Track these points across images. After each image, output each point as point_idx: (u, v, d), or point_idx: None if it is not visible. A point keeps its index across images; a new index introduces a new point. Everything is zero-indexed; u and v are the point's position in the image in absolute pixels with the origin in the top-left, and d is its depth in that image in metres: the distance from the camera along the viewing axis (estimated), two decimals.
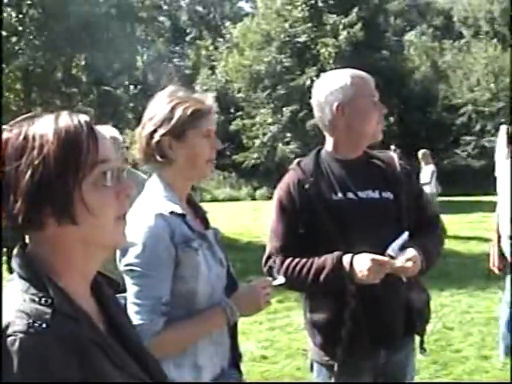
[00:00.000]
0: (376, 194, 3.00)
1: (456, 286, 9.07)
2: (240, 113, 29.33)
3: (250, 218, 19.33)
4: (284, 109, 26.33)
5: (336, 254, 2.85)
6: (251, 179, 31.62)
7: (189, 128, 2.38)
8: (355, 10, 25.51)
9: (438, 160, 19.60)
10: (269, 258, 3.03)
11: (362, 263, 2.79)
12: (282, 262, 2.94)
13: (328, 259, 2.86)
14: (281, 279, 2.64)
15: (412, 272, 2.83)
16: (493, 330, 6.97)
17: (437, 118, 32.40)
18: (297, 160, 3.17)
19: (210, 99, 2.48)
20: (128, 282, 2.31)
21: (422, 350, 3.23)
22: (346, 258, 2.83)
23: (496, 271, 6.45)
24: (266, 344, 7.05)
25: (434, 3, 57.95)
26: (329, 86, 3.03)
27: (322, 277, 2.86)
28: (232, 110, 30.23)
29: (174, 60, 47.25)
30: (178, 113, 2.36)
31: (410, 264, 2.77)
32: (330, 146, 3.11)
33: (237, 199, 29.44)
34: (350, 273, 2.80)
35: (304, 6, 26.07)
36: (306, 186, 2.97)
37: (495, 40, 38.32)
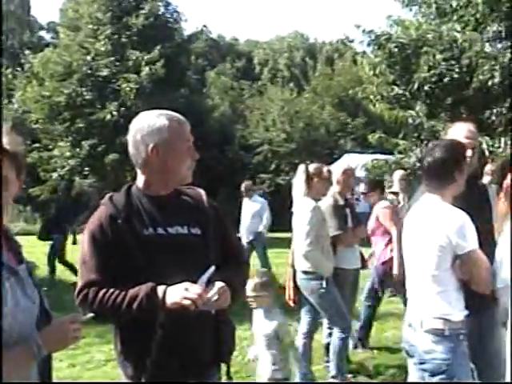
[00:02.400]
0: (185, 230, 3.09)
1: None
2: (37, 145, 28.39)
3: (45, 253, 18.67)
4: (83, 142, 25.84)
5: (150, 283, 2.92)
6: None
7: None
8: (158, 47, 25.71)
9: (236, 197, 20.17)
10: (81, 291, 3.02)
11: (175, 291, 2.87)
12: (96, 294, 2.96)
13: (142, 288, 2.91)
14: (89, 314, 2.68)
15: (220, 304, 2.97)
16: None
17: (234, 156, 33.21)
18: (108, 195, 3.20)
19: None
20: None
21: (229, 378, 3.37)
22: (161, 287, 2.90)
23: (291, 304, 6.79)
24: (67, 381, 6.88)
25: (236, 45, 59.90)
26: (146, 126, 3.09)
27: (135, 305, 2.90)
28: (29, 142, 29.20)
29: None
30: None
31: (216, 297, 2.91)
32: (141, 183, 3.17)
33: (31, 233, 28.41)
34: (163, 300, 2.87)
35: (107, 40, 25.91)
36: (119, 221, 3.02)
37: (291, 84, 40.23)
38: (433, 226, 3.68)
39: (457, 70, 13.43)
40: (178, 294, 2.86)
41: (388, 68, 14.59)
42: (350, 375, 6.93)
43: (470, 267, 3.64)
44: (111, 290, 2.96)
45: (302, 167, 6.50)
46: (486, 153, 12.72)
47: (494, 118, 13.46)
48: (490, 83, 12.91)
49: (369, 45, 15.17)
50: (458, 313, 3.70)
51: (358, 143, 33.10)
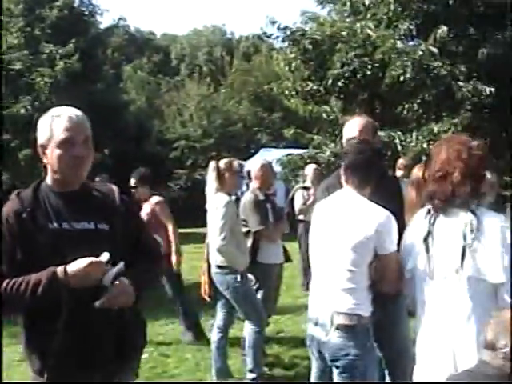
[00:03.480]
0: (91, 226, 3.11)
1: (172, 314, 9.35)
2: None
3: None
4: None
5: (51, 267, 2.93)
6: None
7: None
8: (73, 40, 25.24)
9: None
10: None
11: (77, 264, 2.90)
12: (0, 284, 2.95)
13: (43, 273, 2.92)
14: None
15: (124, 302, 2.98)
16: (206, 354, 7.30)
17: (151, 151, 32.94)
18: (16, 191, 3.19)
19: None
20: None
21: (135, 376, 3.39)
22: (60, 267, 2.92)
23: (207, 299, 6.82)
24: None
25: (154, 39, 59.38)
26: (39, 125, 3.16)
27: (39, 290, 2.90)
28: None
29: None
30: None
31: (120, 293, 2.94)
32: (49, 179, 3.19)
33: None
34: (66, 279, 2.89)
35: (20, 32, 25.27)
36: (24, 216, 3.02)
37: (208, 79, 40.15)
38: (356, 223, 3.72)
39: (370, 66, 13.63)
40: (79, 263, 2.90)
41: (303, 64, 14.67)
42: (266, 368, 7.00)
43: (383, 268, 3.72)
44: (14, 279, 2.96)
45: (212, 164, 6.53)
46: (399, 147, 13.01)
47: (405, 112, 13.76)
48: (402, 78, 13.17)
49: (283, 41, 15.26)
50: (368, 309, 3.77)
51: (274, 138, 33.35)
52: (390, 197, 4.15)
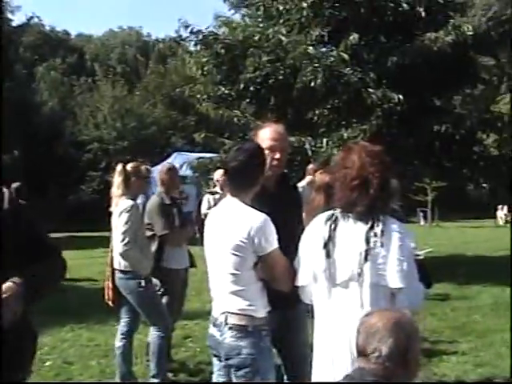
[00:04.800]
0: None
1: (77, 320, 9.17)
2: None
3: None
4: None
5: None
6: None
7: None
8: None
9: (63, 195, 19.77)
10: None
11: None
12: None
13: None
14: None
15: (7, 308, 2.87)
16: (111, 361, 7.17)
17: (64, 153, 32.43)
18: None
19: None
20: None
21: None
22: None
23: (111, 304, 6.70)
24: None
25: (68, 40, 58.43)
26: None
27: None
28: None
29: None
30: None
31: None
32: None
33: None
34: None
35: None
36: None
37: (123, 81, 39.78)
38: (234, 228, 3.73)
39: (281, 71, 13.76)
40: None
41: (215, 68, 14.72)
42: (170, 374, 6.94)
43: (270, 267, 3.73)
44: None
45: (119, 167, 6.45)
46: (309, 153, 13.14)
47: (316, 118, 13.92)
48: (312, 84, 13.32)
49: (196, 44, 15.27)
50: (261, 309, 3.78)
51: (188, 142, 33.30)
52: (286, 205, 4.17)
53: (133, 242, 6.12)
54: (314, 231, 3.53)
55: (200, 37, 14.70)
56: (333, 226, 3.44)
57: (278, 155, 4.26)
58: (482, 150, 16.92)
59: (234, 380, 3.85)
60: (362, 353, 2.65)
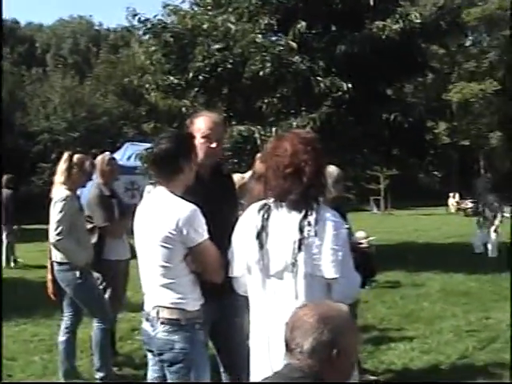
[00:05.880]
0: None
1: (23, 315, 9.00)
2: None
3: None
4: None
5: None
6: None
7: None
8: None
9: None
10: None
11: None
12: None
13: None
14: None
15: None
16: (55, 356, 7.03)
17: (13, 144, 31.95)
18: None
19: None
20: None
21: None
22: None
23: (53, 297, 6.56)
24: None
25: (17, 29, 57.44)
26: None
27: None
28: None
29: None
30: None
31: None
32: None
33: None
34: None
35: None
36: None
37: (74, 71, 39.31)
38: (162, 219, 3.66)
39: (230, 60, 13.67)
40: None
41: (164, 57, 14.58)
42: (115, 368, 6.84)
43: (201, 259, 3.68)
44: None
45: (66, 155, 6.34)
46: (258, 141, 13.09)
47: (265, 107, 13.87)
48: (261, 73, 13.28)
49: (144, 34, 15.11)
50: (193, 302, 3.72)
51: (140, 132, 33.02)
52: (220, 194, 4.13)
53: (67, 232, 5.98)
54: (247, 221, 3.48)
55: (148, 25, 14.54)
56: (266, 216, 3.38)
57: (213, 144, 4.21)
58: (431, 138, 17.10)
59: (168, 375, 3.78)
60: (288, 347, 2.59)
